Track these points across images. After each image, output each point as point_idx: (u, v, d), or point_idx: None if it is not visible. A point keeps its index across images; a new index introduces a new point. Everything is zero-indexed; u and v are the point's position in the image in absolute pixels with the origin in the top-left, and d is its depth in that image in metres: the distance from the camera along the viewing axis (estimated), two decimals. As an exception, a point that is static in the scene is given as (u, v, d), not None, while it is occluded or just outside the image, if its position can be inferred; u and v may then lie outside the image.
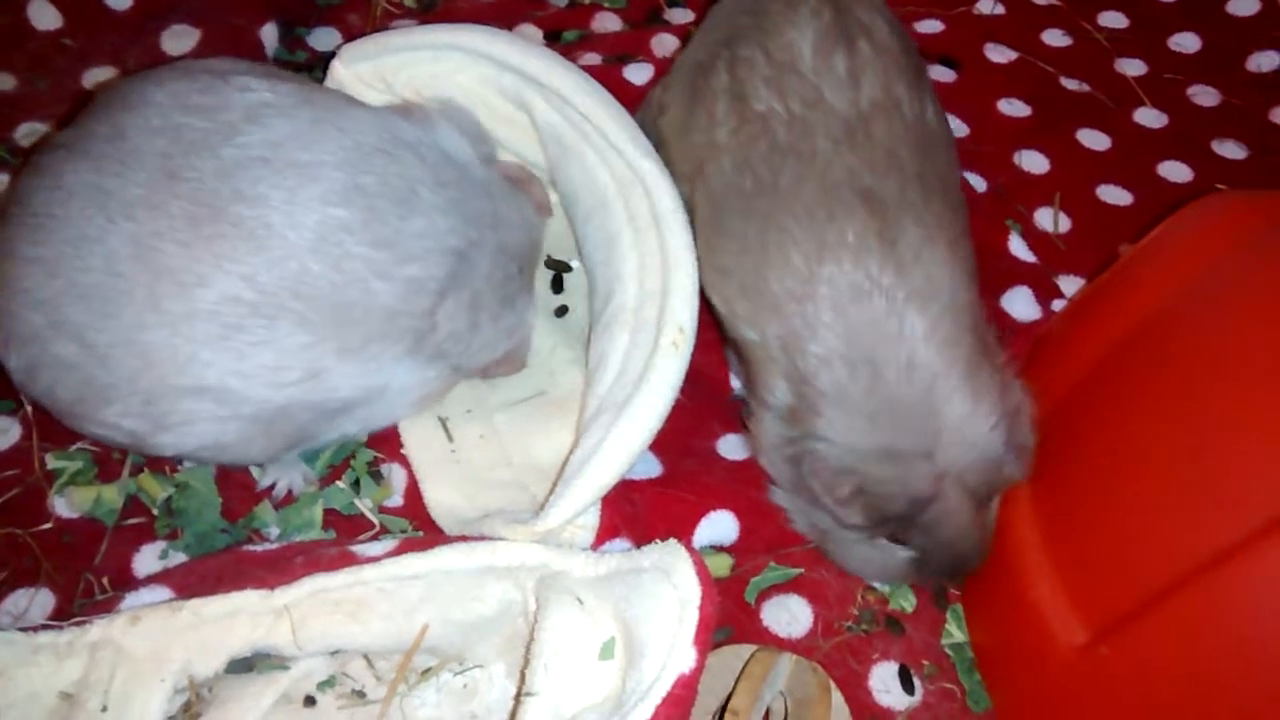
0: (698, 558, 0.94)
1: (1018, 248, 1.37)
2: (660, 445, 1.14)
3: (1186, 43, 1.74)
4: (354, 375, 1.07)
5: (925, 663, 1.12)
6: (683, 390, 1.14)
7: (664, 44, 1.64)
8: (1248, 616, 0.87)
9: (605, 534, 1.09)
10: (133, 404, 1.03)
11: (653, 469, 1.17)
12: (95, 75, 1.42)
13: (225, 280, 0.99)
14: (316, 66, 1.51)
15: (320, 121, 1.04)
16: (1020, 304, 1.28)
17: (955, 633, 1.14)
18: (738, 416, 1.24)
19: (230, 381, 1.02)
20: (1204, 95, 1.66)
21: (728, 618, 1.12)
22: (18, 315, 1.02)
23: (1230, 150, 1.59)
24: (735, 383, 1.29)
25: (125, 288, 0.99)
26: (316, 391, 1.06)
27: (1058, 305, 1.31)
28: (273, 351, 1.02)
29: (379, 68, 1.27)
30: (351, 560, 1.04)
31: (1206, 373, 0.96)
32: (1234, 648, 0.88)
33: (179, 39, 1.44)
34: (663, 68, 1.54)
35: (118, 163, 1.00)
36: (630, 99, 1.44)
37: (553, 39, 1.64)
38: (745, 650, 1.04)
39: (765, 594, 1.14)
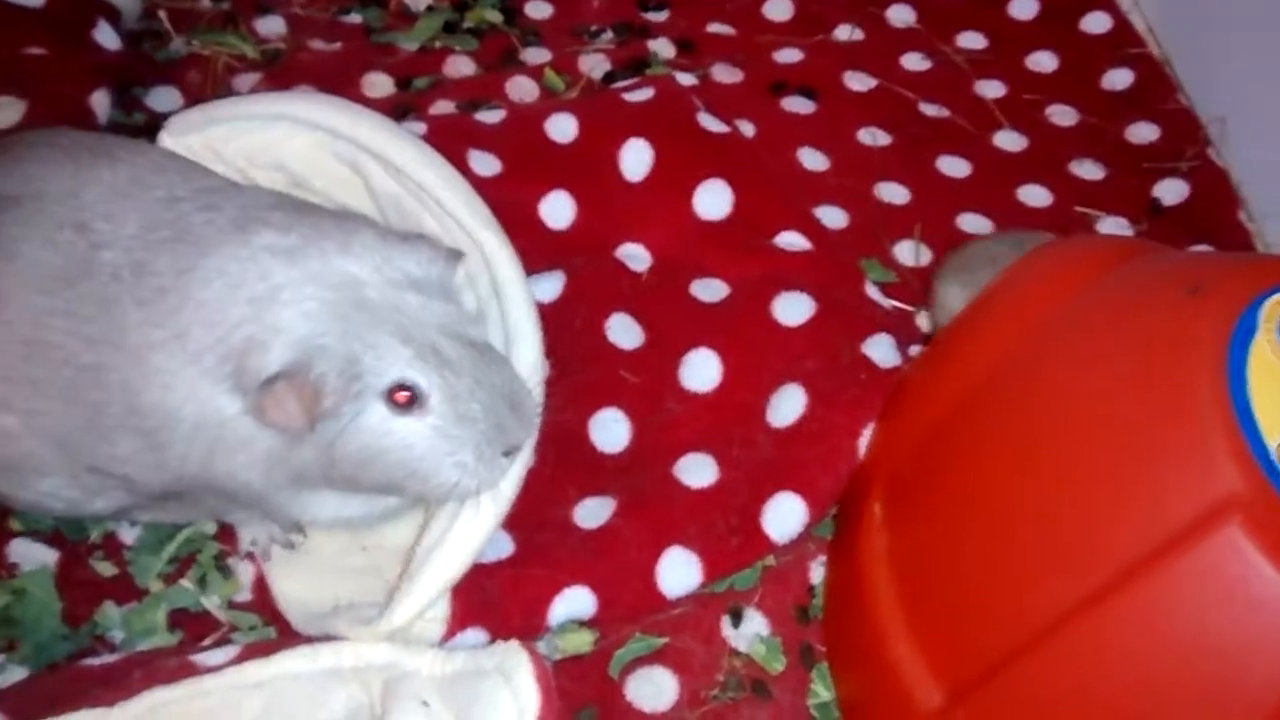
0: (539, 660, 0.92)
1: (874, 293, 1.37)
2: (513, 520, 1.11)
3: (1043, 62, 1.75)
4: None
5: (792, 726, 1.11)
6: (539, 454, 1.13)
7: (519, 86, 1.61)
8: (1090, 678, 0.88)
9: (457, 625, 1.07)
10: (68, 478, 1.05)
11: (504, 548, 1.15)
12: (-86, 153, 1.36)
13: None
14: (156, 128, 1.45)
15: None
16: (880, 350, 1.27)
17: (821, 692, 1.14)
18: (594, 477, 1.23)
19: None
20: (1061, 115, 1.67)
21: (591, 696, 1.11)
22: None
23: (1088, 170, 1.60)
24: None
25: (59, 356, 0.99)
26: None
27: (916, 350, 1.31)
28: None
29: (207, 139, 1.23)
30: (191, 670, 1.01)
31: (1047, 427, 0.96)
32: (1083, 707, 0.89)
33: (5, 110, 1.38)
34: (516, 111, 1.51)
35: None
36: (484, 145, 1.42)
37: (403, 86, 1.60)
38: (602, 738, 1.02)
39: (629, 667, 1.13)
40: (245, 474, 1.01)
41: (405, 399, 0.96)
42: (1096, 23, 1.79)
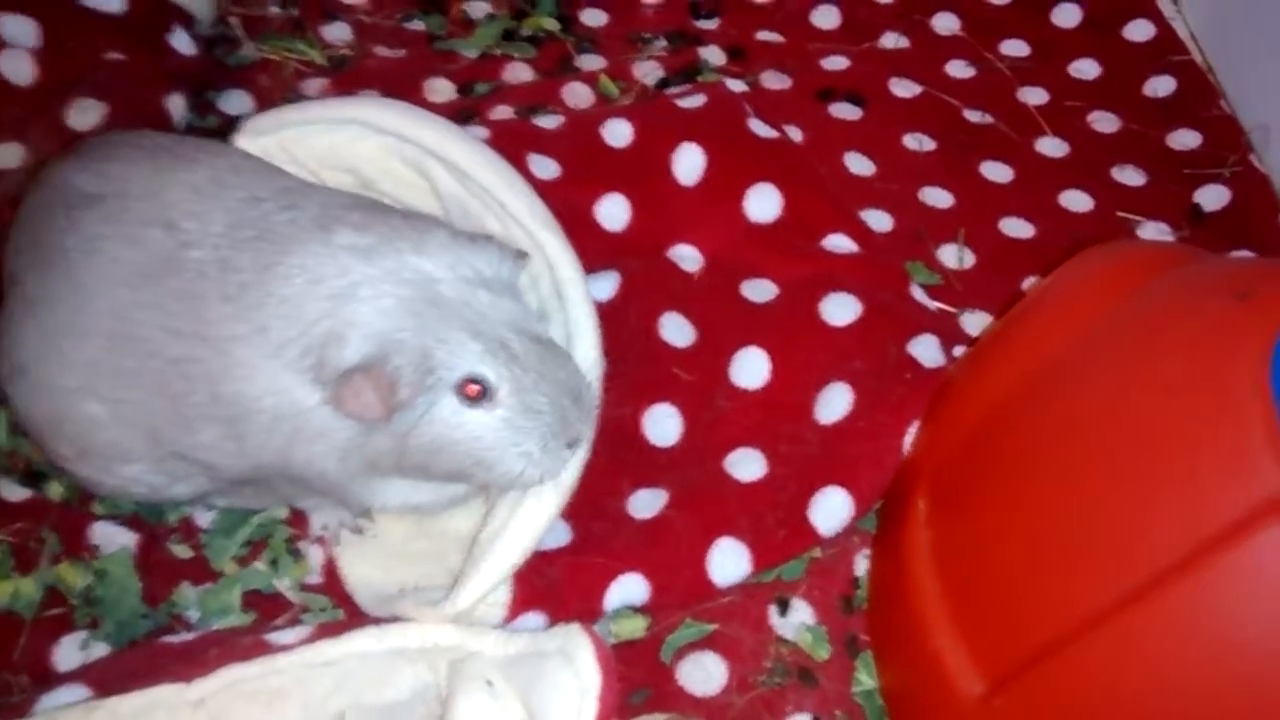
0: (600, 642, 0.96)
1: (920, 295, 1.40)
2: (570, 510, 1.16)
3: (1086, 69, 1.77)
4: None
5: (837, 712, 1.15)
6: (595, 447, 1.17)
7: (575, 93, 1.66)
8: (1131, 673, 0.90)
9: (517, 609, 1.11)
10: (151, 465, 1.12)
11: (562, 537, 1.19)
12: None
13: None
14: (228, 131, 1.51)
15: None
16: (926, 350, 1.31)
17: (865, 680, 1.17)
18: (647, 469, 1.27)
19: None
20: (1104, 122, 1.70)
21: (644, 679, 1.15)
22: (51, 374, 1.09)
23: (1130, 177, 1.62)
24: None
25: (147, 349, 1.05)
26: None
27: (960, 350, 1.34)
28: None
29: (281, 141, 1.28)
30: (265, 649, 1.06)
31: (1091, 427, 0.99)
32: (1119, 704, 0.92)
33: (84, 113, 1.44)
34: (573, 117, 1.56)
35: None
36: (543, 149, 1.47)
37: (464, 92, 1.65)
38: (655, 720, 1.07)
39: (681, 652, 1.17)
40: (321, 462, 1.06)
41: (476, 392, 1.01)
42: (1139, 30, 1.81)
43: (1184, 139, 1.67)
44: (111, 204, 1.09)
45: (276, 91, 1.62)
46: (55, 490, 1.24)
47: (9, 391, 1.13)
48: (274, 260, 1.03)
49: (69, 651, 1.14)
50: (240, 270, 1.03)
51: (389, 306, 1.00)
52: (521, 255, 1.11)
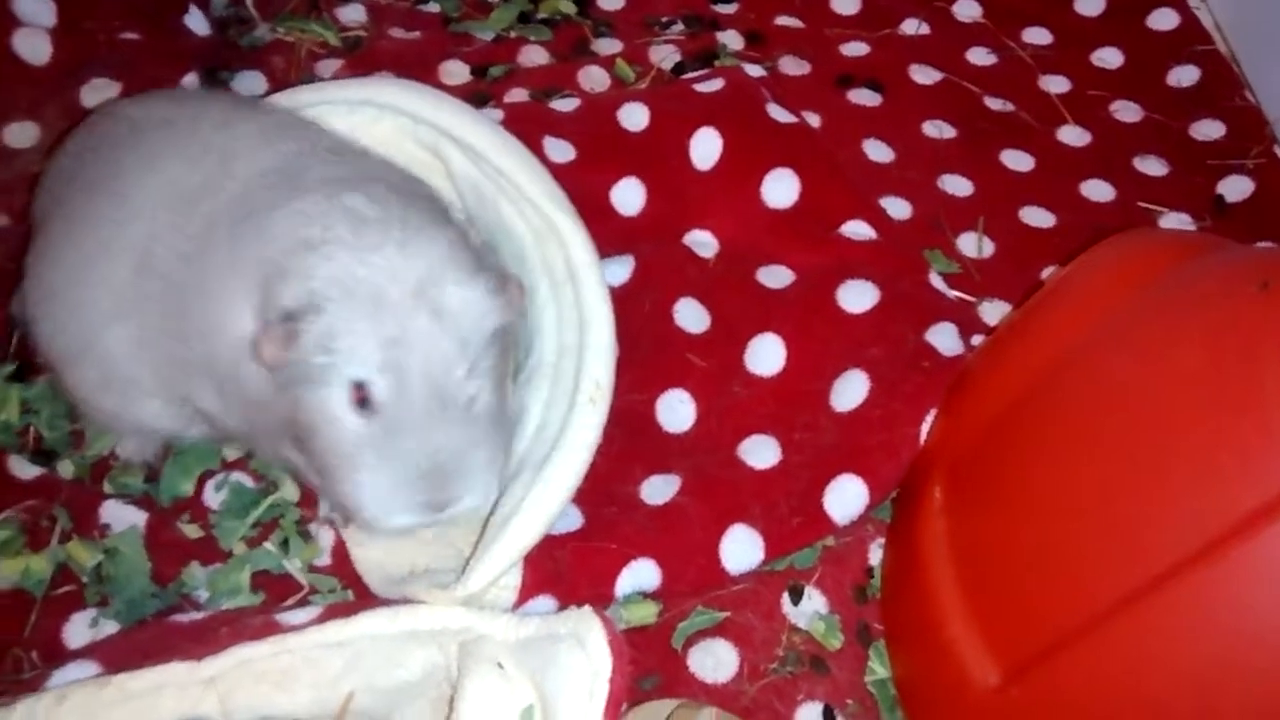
0: (611, 626, 0.96)
1: (938, 283, 1.39)
2: (581, 495, 1.15)
3: (1109, 58, 1.76)
4: None
5: (849, 701, 1.14)
6: (607, 432, 1.16)
7: (591, 76, 1.65)
8: (1148, 663, 0.90)
9: (528, 593, 1.11)
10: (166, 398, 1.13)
11: (573, 521, 1.18)
12: (13, 132, 1.41)
13: None
14: (241, 111, 1.51)
15: None
16: (944, 339, 1.30)
17: (878, 669, 1.17)
18: (660, 455, 1.26)
19: None
20: (1126, 111, 1.68)
21: (655, 665, 1.14)
22: (83, 296, 1.10)
23: (1152, 167, 1.61)
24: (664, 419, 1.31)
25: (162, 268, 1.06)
26: None
27: (979, 339, 1.33)
28: None
29: (297, 121, 1.28)
30: (276, 629, 1.05)
31: (1110, 416, 0.98)
32: (1136, 694, 0.91)
33: (99, 92, 1.43)
34: (590, 100, 1.55)
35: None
36: (559, 132, 1.46)
37: (479, 74, 1.64)
38: (666, 706, 1.06)
39: (692, 640, 1.16)
40: (249, 409, 1.05)
41: (359, 398, 0.98)
42: (1164, 19, 1.79)
43: (1207, 129, 1.65)
44: (182, 127, 1.12)
45: (290, 73, 1.62)
46: (66, 469, 1.24)
47: (39, 319, 1.14)
48: (283, 201, 1.02)
49: (79, 629, 1.14)
50: (254, 206, 1.03)
51: (335, 276, 0.97)
52: (520, 289, 1.07)
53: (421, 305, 0.98)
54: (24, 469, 1.23)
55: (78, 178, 1.14)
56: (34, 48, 1.43)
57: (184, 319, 1.05)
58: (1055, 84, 1.72)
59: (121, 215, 1.08)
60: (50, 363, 1.18)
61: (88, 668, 1.06)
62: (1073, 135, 1.65)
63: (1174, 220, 1.54)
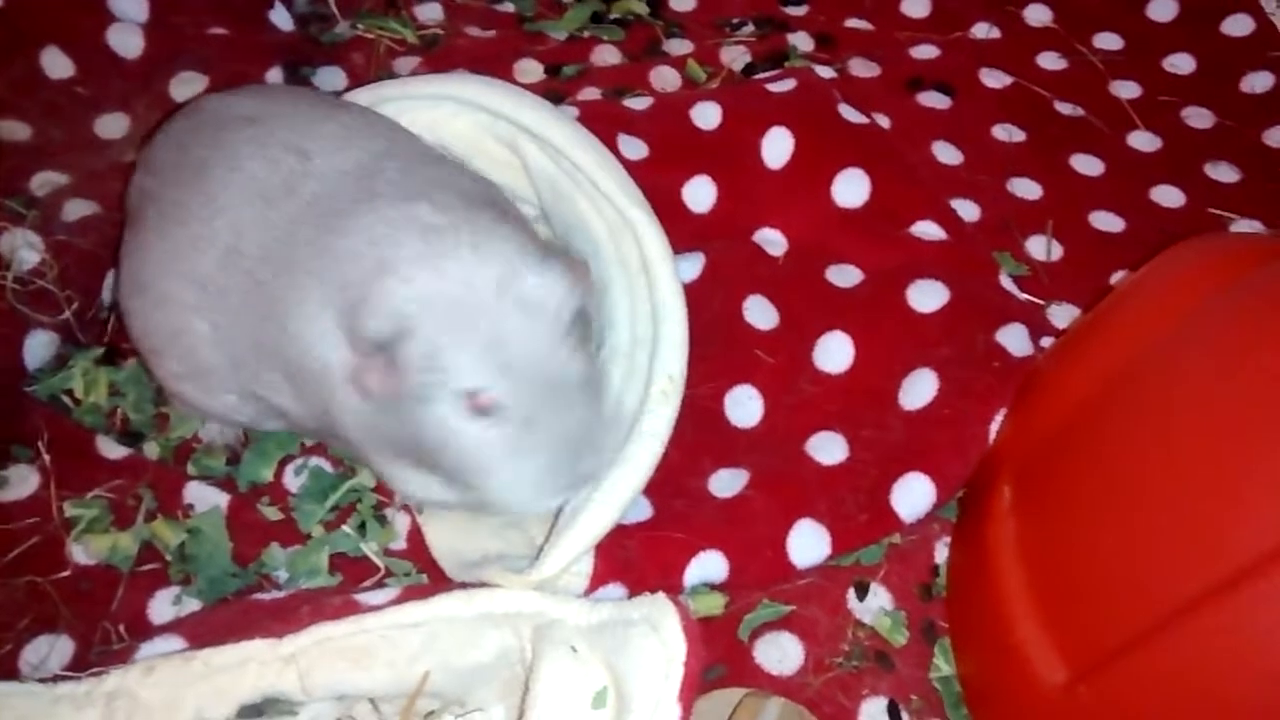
0: (685, 612, 0.97)
1: (1008, 284, 1.40)
2: (651, 486, 1.17)
3: (1181, 64, 1.75)
4: None
5: (913, 697, 1.15)
6: (677, 426, 1.18)
7: (662, 76, 1.67)
8: (1221, 663, 0.90)
9: (599, 580, 1.13)
10: (240, 394, 1.15)
11: (643, 512, 1.20)
12: (105, 123, 1.46)
13: None
14: (321, 107, 1.54)
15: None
16: (1014, 340, 1.30)
17: (943, 666, 1.17)
18: (728, 450, 1.28)
19: None
20: (1198, 117, 1.67)
21: (721, 656, 1.16)
22: (171, 288, 1.12)
23: (1223, 173, 1.60)
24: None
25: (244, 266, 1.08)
26: None
27: (1047, 341, 1.33)
28: None
29: (378, 116, 1.31)
30: (355, 609, 1.08)
31: (1187, 417, 0.98)
32: (1207, 693, 0.91)
33: (187, 85, 1.48)
34: (662, 99, 1.57)
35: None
36: (632, 130, 1.48)
37: (553, 73, 1.67)
38: (734, 695, 1.07)
39: (758, 632, 1.18)
40: (352, 430, 1.08)
41: (480, 405, 1.00)
42: (1238, 25, 1.78)
43: (1280, 137, 1.64)
44: (263, 125, 1.13)
45: (369, 69, 1.65)
46: (152, 450, 1.28)
47: (129, 309, 1.18)
48: (353, 211, 1.04)
49: (162, 605, 1.18)
50: (336, 214, 1.05)
51: (422, 294, 0.99)
52: (586, 266, 1.09)
53: (507, 302, 1.00)
54: (112, 449, 1.27)
55: (166, 172, 1.17)
56: (126, 42, 1.48)
57: (266, 319, 1.07)
58: (1126, 89, 1.71)
59: (207, 212, 1.11)
60: (139, 351, 1.22)
61: (173, 642, 1.10)
62: (1143, 140, 1.65)
63: (1245, 227, 1.53)
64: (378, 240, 1.02)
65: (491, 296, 1.00)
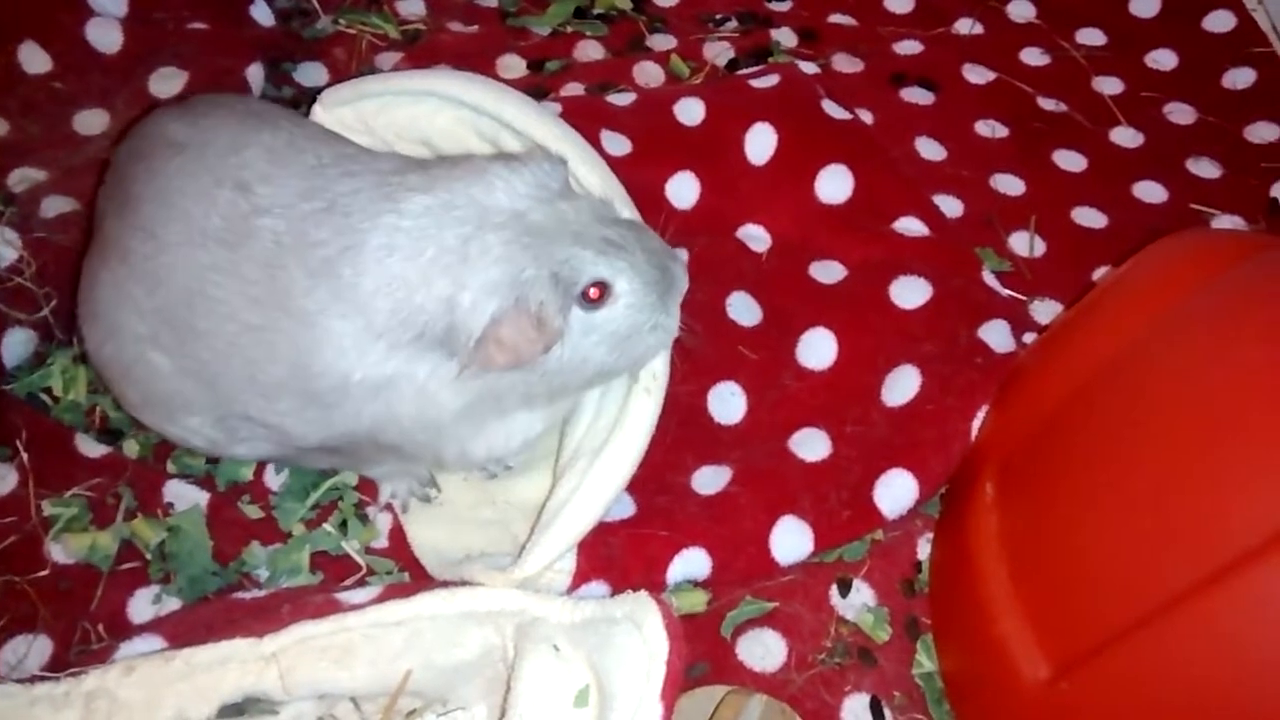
0: (667, 610, 0.97)
1: (991, 280, 1.40)
2: (635, 483, 1.17)
3: (1163, 60, 1.76)
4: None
5: (896, 694, 1.15)
6: (660, 422, 1.18)
7: (645, 72, 1.66)
8: (1201, 659, 0.90)
9: (581, 578, 1.13)
10: (213, 421, 1.14)
11: (627, 509, 1.20)
12: (84, 119, 1.45)
13: None
14: (303, 102, 1.54)
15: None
16: (997, 336, 1.31)
17: (925, 662, 1.18)
18: (711, 446, 1.28)
19: None
20: (1180, 113, 1.68)
21: (704, 653, 1.16)
22: (120, 320, 1.11)
23: (1205, 169, 1.60)
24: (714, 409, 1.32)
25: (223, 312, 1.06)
26: None
27: (1030, 337, 1.33)
28: None
29: (359, 112, 1.30)
30: (336, 608, 1.08)
31: (1169, 413, 0.98)
32: (1188, 689, 0.91)
33: (167, 81, 1.47)
34: (646, 95, 1.56)
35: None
36: (615, 125, 1.48)
37: (536, 69, 1.66)
38: (717, 692, 1.07)
39: (741, 629, 1.18)
40: (427, 428, 1.08)
41: (597, 294, 1.04)
42: (1220, 21, 1.79)
43: (1262, 132, 1.65)
44: (190, 155, 1.10)
45: (351, 64, 1.65)
46: (131, 448, 1.27)
47: (85, 332, 1.17)
48: (356, 240, 1.02)
49: (142, 604, 1.17)
50: (321, 244, 1.03)
51: (496, 254, 1.00)
52: (560, 160, 1.10)
53: (548, 202, 1.04)
54: (91, 447, 1.26)
55: (110, 200, 1.16)
56: (105, 37, 1.47)
57: (270, 361, 1.06)
58: (1109, 85, 1.72)
59: (148, 249, 1.09)
60: (97, 374, 1.21)
61: (153, 641, 1.09)
62: (1126, 136, 1.65)
63: (1227, 222, 1.54)
64: (412, 254, 1.01)
65: (536, 210, 1.03)
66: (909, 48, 1.74)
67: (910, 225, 1.44)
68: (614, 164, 1.31)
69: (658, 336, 1.10)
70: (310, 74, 1.62)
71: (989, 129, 1.64)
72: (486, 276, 0.99)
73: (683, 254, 1.17)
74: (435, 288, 1.00)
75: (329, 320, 1.02)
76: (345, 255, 1.02)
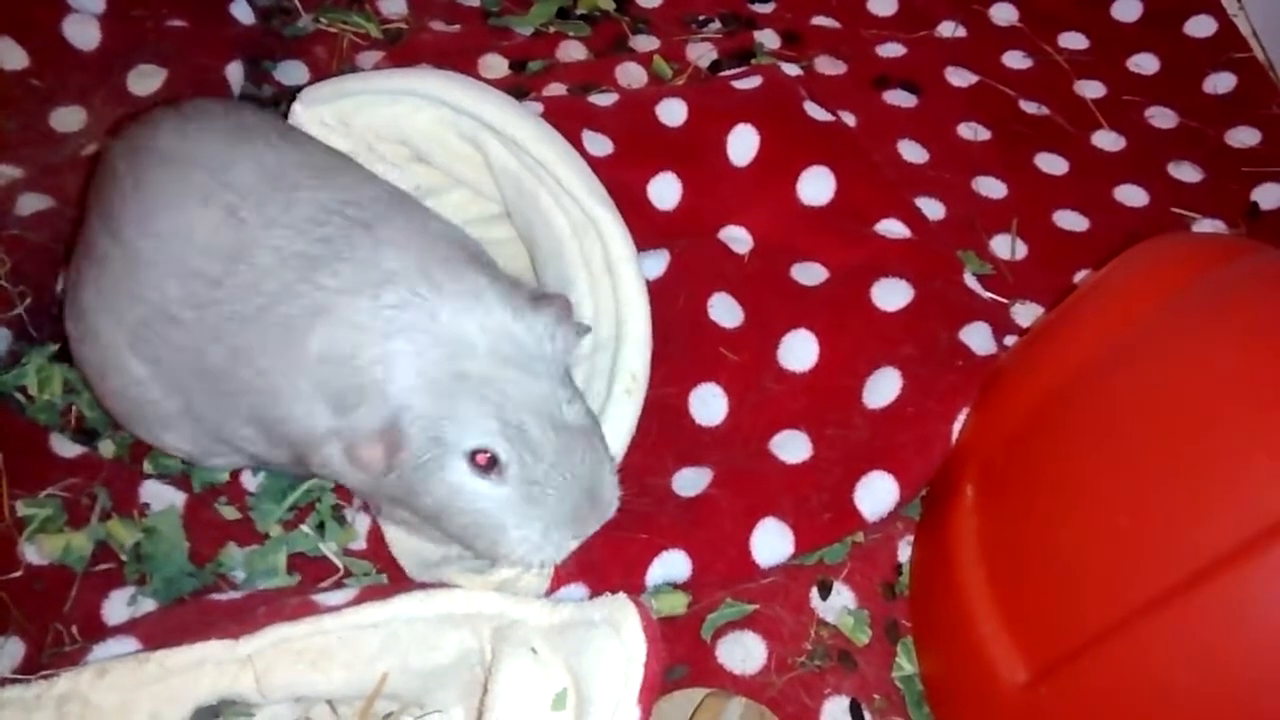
0: (646, 613, 0.97)
1: (972, 283, 1.40)
2: (615, 487, 1.16)
3: (1145, 64, 1.76)
4: None
5: (876, 696, 1.15)
6: (641, 424, 1.18)
7: (628, 73, 1.66)
8: (1180, 662, 0.90)
9: (560, 580, 1.12)
10: (189, 435, 1.15)
11: (606, 512, 1.19)
12: (61, 116, 1.43)
13: None
14: (283, 100, 1.53)
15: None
16: (978, 338, 1.31)
17: (905, 665, 1.17)
18: (692, 448, 1.27)
19: None
20: (1161, 117, 1.69)
21: (684, 656, 1.15)
22: (102, 326, 1.11)
23: (1186, 173, 1.61)
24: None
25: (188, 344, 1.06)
26: None
27: (1011, 340, 1.33)
28: None
29: (338, 111, 1.29)
30: (312, 609, 1.07)
31: (1148, 416, 0.98)
32: (1166, 693, 0.91)
33: (145, 79, 1.46)
34: (628, 95, 1.56)
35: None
36: (597, 126, 1.47)
37: (518, 69, 1.66)
38: (696, 695, 1.07)
39: (721, 631, 1.17)
40: (347, 479, 1.08)
41: (485, 461, 1.00)
42: (1201, 26, 1.80)
43: (1243, 136, 1.66)
44: (175, 171, 1.09)
45: (332, 63, 1.64)
46: (107, 448, 1.26)
47: (70, 332, 1.17)
48: (327, 303, 1.02)
49: (117, 606, 1.16)
50: (299, 295, 1.03)
51: (414, 369, 0.99)
52: (583, 329, 1.09)
53: (503, 362, 1.00)
54: (66, 447, 1.25)
55: (97, 204, 1.14)
56: (83, 33, 1.46)
57: (240, 392, 1.06)
58: (1090, 89, 1.72)
59: (129, 261, 1.09)
60: (78, 369, 1.21)
61: (127, 644, 1.08)
62: (1107, 140, 1.65)
63: (1207, 226, 1.54)
64: (361, 341, 1.00)
65: (482, 360, 1.00)
66: (892, 50, 1.74)
67: (892, 227, 1.44)
68: (595, 164, 1.30)
69: (524, 554, 1.05)
70: (291, 72, 1.61)
71: (971, 132, 1.64)
72: (387, 382, 0.99)
73: (614, 499, 1.08)
74: (354, 375, 1.00)
75: (289, 371, 1.03)
76: (313, 320, 1.02)
